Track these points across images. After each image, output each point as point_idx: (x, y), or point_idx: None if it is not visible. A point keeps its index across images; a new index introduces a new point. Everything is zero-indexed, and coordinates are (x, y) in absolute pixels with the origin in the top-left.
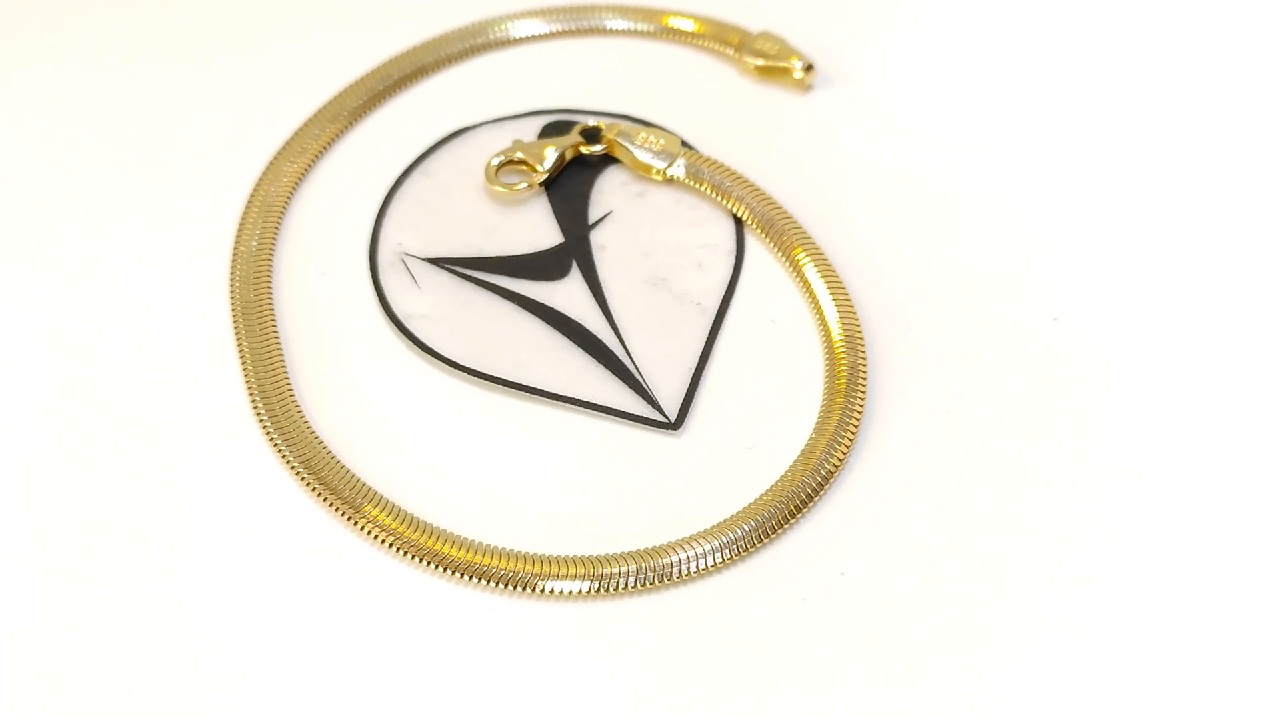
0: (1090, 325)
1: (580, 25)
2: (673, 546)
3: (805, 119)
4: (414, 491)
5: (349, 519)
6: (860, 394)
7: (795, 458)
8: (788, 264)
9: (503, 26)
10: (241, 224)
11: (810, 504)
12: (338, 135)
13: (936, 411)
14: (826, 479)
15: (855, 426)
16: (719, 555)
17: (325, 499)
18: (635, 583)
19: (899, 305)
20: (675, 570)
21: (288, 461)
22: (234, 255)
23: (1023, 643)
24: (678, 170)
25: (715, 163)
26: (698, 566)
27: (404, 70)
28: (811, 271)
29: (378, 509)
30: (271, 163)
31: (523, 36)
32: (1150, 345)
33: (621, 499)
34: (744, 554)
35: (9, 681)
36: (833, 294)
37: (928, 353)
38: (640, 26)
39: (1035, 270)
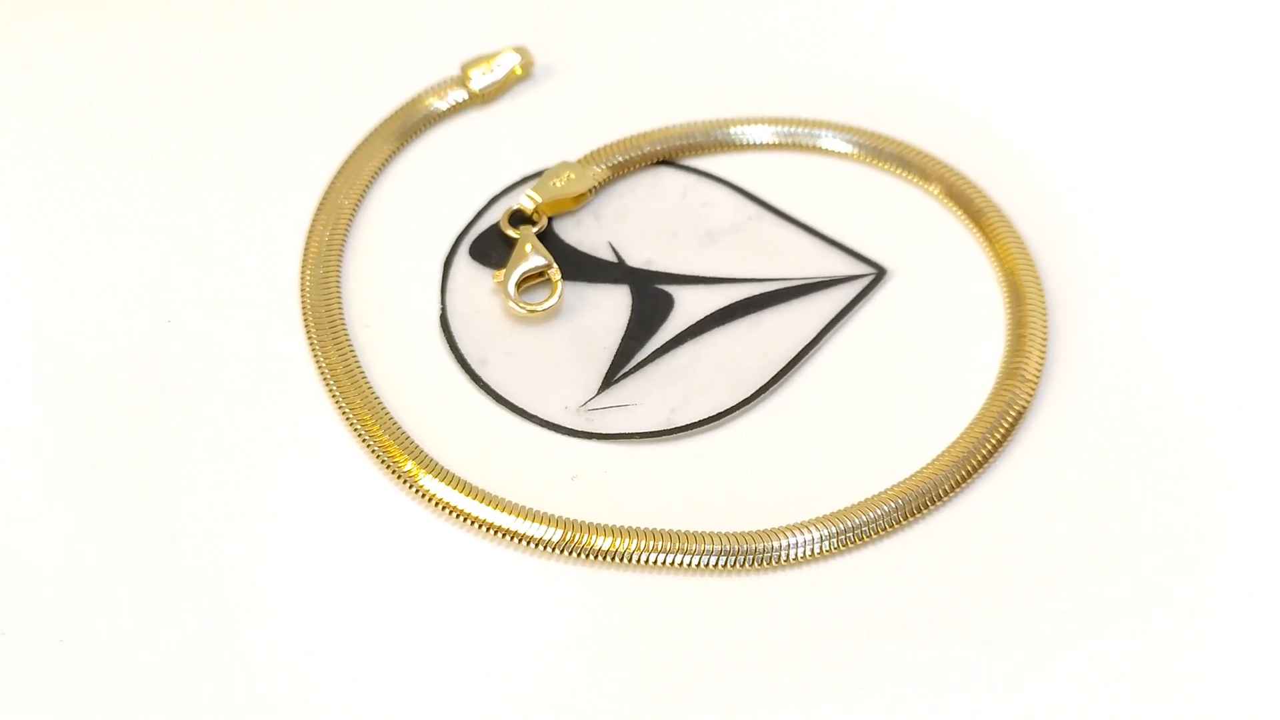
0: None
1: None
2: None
3: (559, 91)
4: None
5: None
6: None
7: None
8: (767, 144)
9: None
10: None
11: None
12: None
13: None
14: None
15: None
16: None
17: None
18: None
19: None
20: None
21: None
22: None
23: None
24: (601, 174)
25: (599, 151)
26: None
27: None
28: (779, 139)
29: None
30: None
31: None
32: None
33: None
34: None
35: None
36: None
37: None
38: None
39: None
